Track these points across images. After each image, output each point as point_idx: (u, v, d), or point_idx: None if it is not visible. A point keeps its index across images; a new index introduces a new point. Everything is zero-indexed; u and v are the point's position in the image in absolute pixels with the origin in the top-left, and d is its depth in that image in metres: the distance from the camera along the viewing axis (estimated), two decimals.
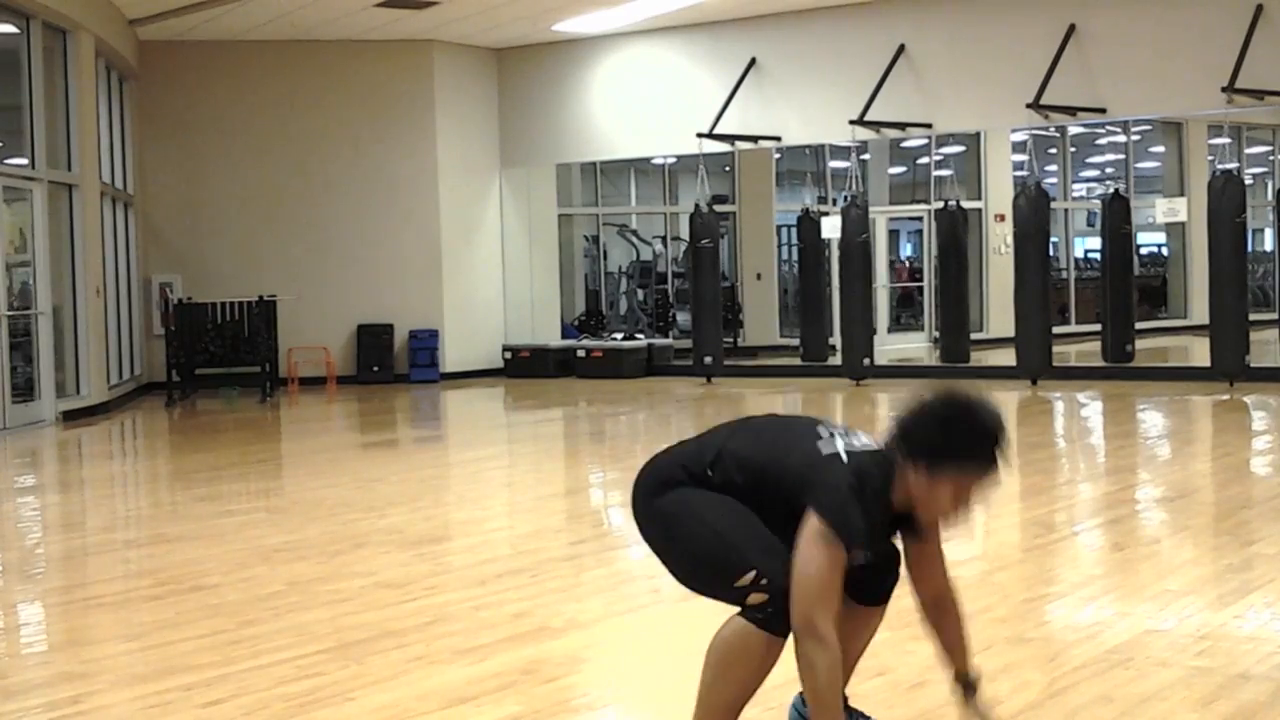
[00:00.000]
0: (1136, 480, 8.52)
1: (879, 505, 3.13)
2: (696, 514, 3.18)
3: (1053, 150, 21.29)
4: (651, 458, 3.39)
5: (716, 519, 3.15)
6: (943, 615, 3.40)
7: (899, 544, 3.39)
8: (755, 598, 3.10)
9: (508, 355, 17.52)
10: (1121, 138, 22.01)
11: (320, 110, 16.88)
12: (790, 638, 3.11)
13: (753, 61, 15.84)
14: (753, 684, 3.20)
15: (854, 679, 3.99)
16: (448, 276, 17.12)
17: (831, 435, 3.20)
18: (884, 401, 13.34)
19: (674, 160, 19.27)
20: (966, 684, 3.43)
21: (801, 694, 3.52)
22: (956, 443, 3.07)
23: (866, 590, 3.37)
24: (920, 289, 20.54)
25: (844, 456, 3.14)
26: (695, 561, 3.20)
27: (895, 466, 3.13)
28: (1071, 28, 14.18)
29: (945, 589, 3.39)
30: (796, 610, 3.04)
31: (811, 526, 3.05)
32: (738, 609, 3.16)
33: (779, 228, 20.65)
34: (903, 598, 4.94)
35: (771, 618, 3.09)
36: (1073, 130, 20.82)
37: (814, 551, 3.03)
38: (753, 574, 3.09)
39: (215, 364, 15.35)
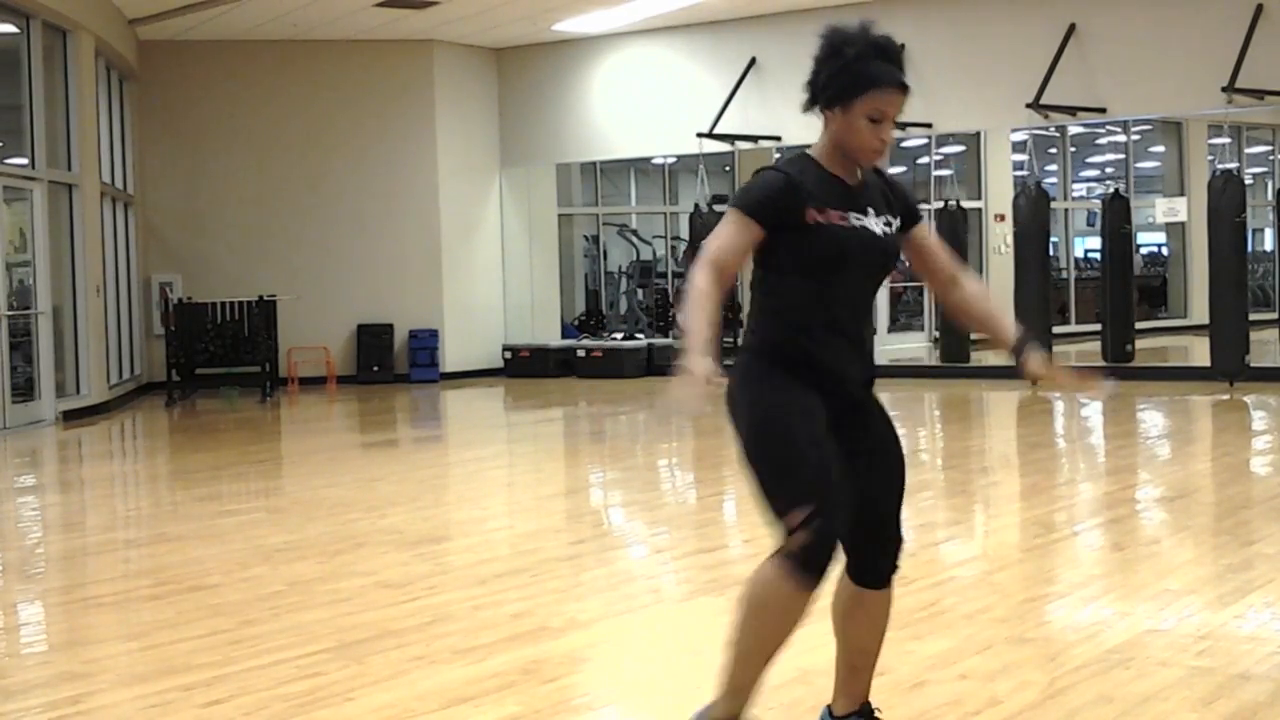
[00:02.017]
0: (1136, 480, 8.52)
1: (815, 169, 3.21)
2: (779, 427, 3.18)
3: (1053, 150, 21.28)
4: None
5: (794, 440, 3.15)
6: (964, 295, 3.45)
7: (901, 532, 3.37)
8: (798, 538, 3.10)
9: (508, 355, 17.52)
10: (1121, 138, 22.01)
11: (320, 110, 16.89)
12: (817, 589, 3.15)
13: (753, 61, 15.84)
14: (779, 635, 3.20)
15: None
16: (448, 276, 17.13)
17: None
18: (883, 401, 13.33)
19: (674, 160, 19.27)
20: (1017, 345, 3.41)
21: (829, 706, 3.50)
22: (849, 70, 3.14)
23: (867, 572, 3.35)
24: (921, 289, 20.53)
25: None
26: (768, 476, 3.19)
27: (813, 146, 3.25)
28: (1071, 28, 14.18)
29: (954, 271, 3.44)
30: (698, 261, 3.15)
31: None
32: (773, 551, 3.17)
33: None
34: (903, 597, 4.94)
35: (805, 562, 3.10)
36: (1073, 130, 20.81)
37: (719, 226, 3.20)
38: (811, 510, 3.10)
39: (215, 364, 15.35)
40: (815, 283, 3.21)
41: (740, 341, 3.35)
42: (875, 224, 3.26)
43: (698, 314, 3.08)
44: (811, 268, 3.20)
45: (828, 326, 3.24)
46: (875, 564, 3.34)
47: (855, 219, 3.22)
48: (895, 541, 3.36)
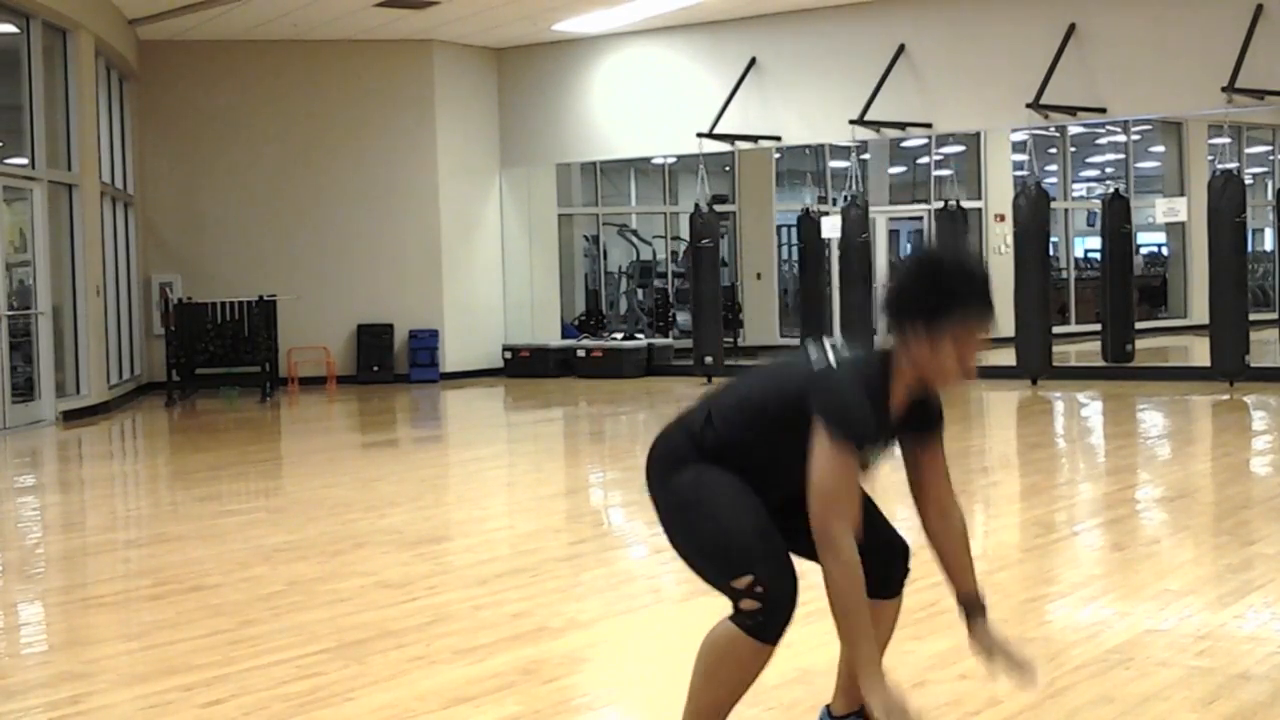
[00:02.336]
0: (1136, 480, 8.52)
1: (881, 396, 3.09)
2: (707, 503, 3.11)
3: (1053, 150, 21.28)
4: (664, 428, 3.32)
5: (726, 512, 3.09)
6: (947, 529, 3.32)
7: (905, 539, 3.38)
8: (748, 604, 3.05)
9: (508, 355, 17.52)
10: (1121, 138, 22.01)
11: (320, 110, 16.89)
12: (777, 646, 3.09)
13: (753, 61, 15.84)
14: (739, 688, 3.16)
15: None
16: (448, 276, 17.12)
17: (821, 351, 3.16)
18: None
19: (674, 160, 19.27)
20: (971, 605, 3.34)
21: (828, 706, 3.50)
22: (942, 296, 3.04)
23: (877, 583, 3.34)
24: None
25: (835, 364, 3.10)
26: (699, 553, 3.15)
27: (890, 357, 3.10)
28: (1071, 27, 14.18)
29: (949, 501, 3.32)
30: (814, 522, 2.98)
31: (818, 436, 3.00)
32: (730, 611, 3.12)
33: (779, 228, 20.65)
34: (903, 596, 4.94)
35: (762, 626, 3.04)
36: (1073, 130, 20.82)
37: (823, 460, 2.98)
38: (750, 579, 3.04)
39: (215, 364, 15.36)
40: (788, 470, 3.12)
41: (688, 432, 3.21)
42: (885, 442, 3.19)
43: (860, 623, 2.97)
44: (799, 463, 3.08)
45: (790, 487, 3.17)
46: (887, 576, 3.34)
47: (876, 450, 3.15)
48: (902, 551, 3.35)
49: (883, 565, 3.33)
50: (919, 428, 3.25)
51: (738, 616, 3.08)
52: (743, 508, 3.09)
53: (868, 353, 3.15)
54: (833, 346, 3.17)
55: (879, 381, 3.10)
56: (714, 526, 3.09)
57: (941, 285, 3.05)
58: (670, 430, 3.27)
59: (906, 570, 3.38)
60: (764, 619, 3.04)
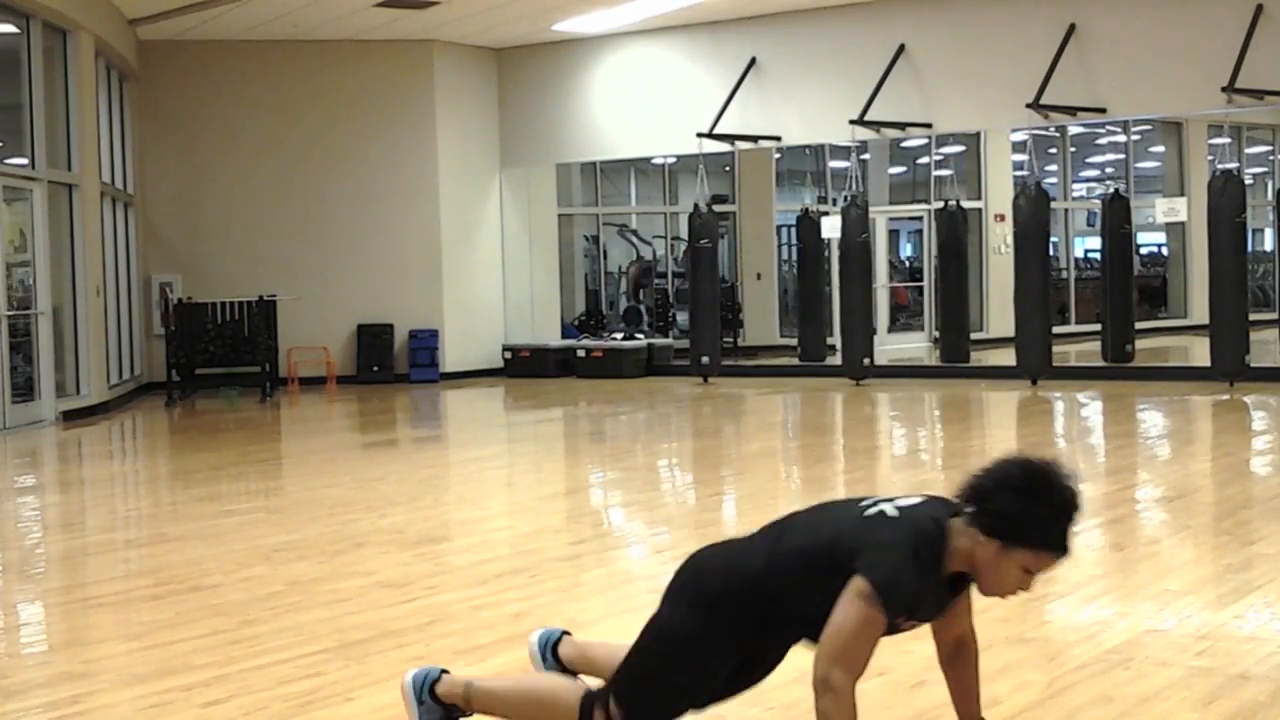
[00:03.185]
0: (1136, 480, 8.52)
1: (936, 569, 2.99)
2: (673, 661, 3.18)
3: (1053, 150, 21.28)
4: (711, 546, 3.32)
5: (668, 686, 3.18)
6: (963, 662, 3.29)
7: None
8: (610, 709, 3.20)
9: (508, 355, 17.52)
10: (1121, 138, 22.01)
11: (320, 110, 16.89)
12: None
13: (753, 61, 15.84)
14: None
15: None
16: (448, 276, 17.13)
17: (875, 502, 3.09)
18: (883, 401, 13.35)
19: (674, 160, 19.27)
20: None
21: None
22: (1036, 523, 2.93)
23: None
24: (920, 289, 20.53)
25: (894, 513, 3.02)
26: (630, 669, 3.28)
27: (951, 530, 2.99)
28: (1071, 28, 14.18)
29: (969, 636, 3.28)
30: (817, 666, 2.94)
31: (855, 585, 2.92)
32: (597, 687, 3.30)
33: (779, 228, 20.66)
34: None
35: None
36: (1073, 130, 20.82)
37: (849, 610, 2.92)
38: (623, 712, 3.19)
39: (215, 364, 15.35)
40: (792, 635, 3.15)
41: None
42: (932, 613, 3.15)
43: None
44: (814, 630, 3.05)
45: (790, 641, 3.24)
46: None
47: (919, 618, 3.10)
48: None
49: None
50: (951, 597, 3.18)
51: (590, 699, 3.25)
52: (691, 685, 3.19)
53: (927, 514, 3.02)
54: (888, 500, 3.10)
55: (937, 547, 2.99)
56: (657, 666, 3.20)
57: (1032, 514, 2.94)
58: (708, 560, 3.26)
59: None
60: None
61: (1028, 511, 2.93)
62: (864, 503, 3.11)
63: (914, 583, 2.94)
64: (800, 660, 4.07)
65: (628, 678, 3.24)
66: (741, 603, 3.12)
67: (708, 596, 3.15)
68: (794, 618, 3.09)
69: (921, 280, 20.52)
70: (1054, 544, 2.95)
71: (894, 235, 22.33)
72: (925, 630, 4.44)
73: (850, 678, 2.92)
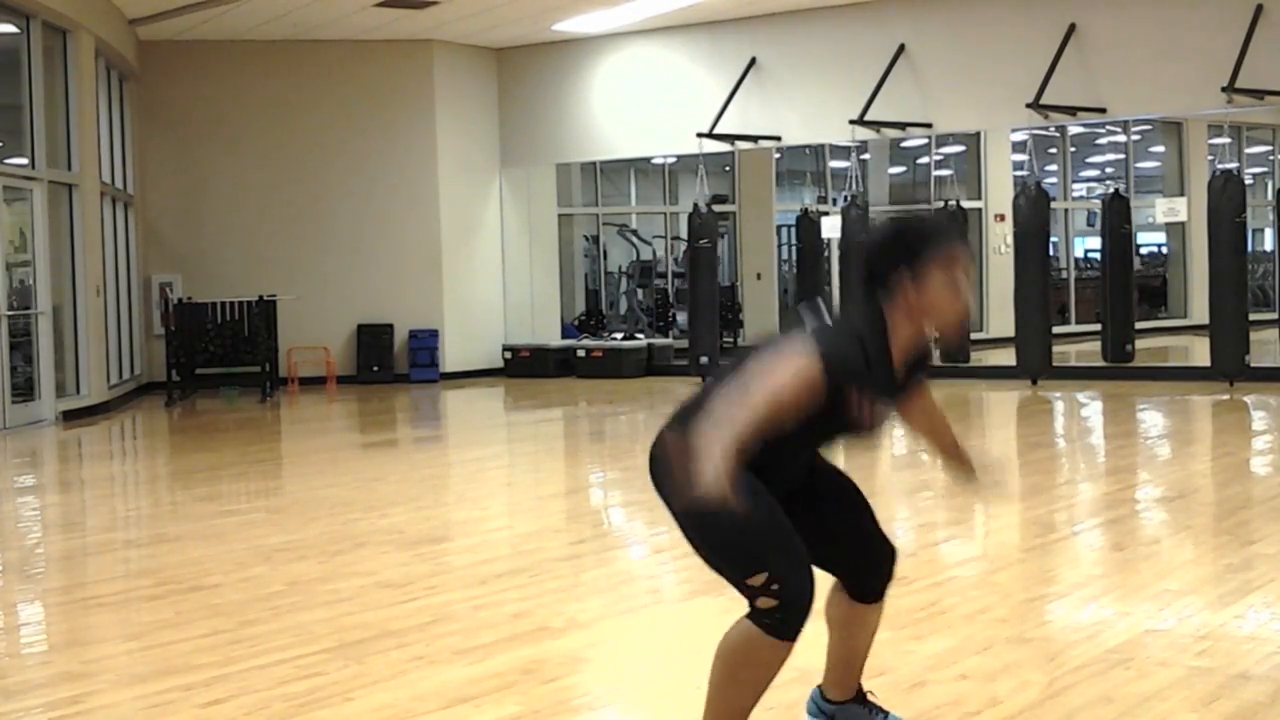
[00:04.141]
0: (1136, 480, 8.52)
1: (882, 353, 3.09)
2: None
3: (1053, 150, 21.28)
4: (665, 423, 3.25)
5: (740, 509, 3.00)
6: (933, 423, 3.45)
7: (893, 542, 3.38)
8: (764, 602, 3.03)
9: (508, 355, 17.52)
10: (1121, 138, 22.00)
11: (320, 110, 16.89)
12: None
13: (753, 61, 15.84)
14: (759, 689, 3.15)
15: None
16: (448, 276, 17.12)
17: (816, 313, 3.12)
18: None
19: (674, 160, 19.26)
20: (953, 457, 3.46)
21: (820, 686, 3.51)
22: (922, 241, 3.08)
23: (865, 591, 3.37)
24: None
25: (833, 322, 3.09)
26: (715, 551, 3.12)
27: (884, 316, 3.09)
28: (1071, 28, 14.18)
29: (933, 409, 3.43)
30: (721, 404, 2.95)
31: (792, 349, 2.98)
32: (746, 610, 3.10)
33: (779, 228, 20.64)
34: (903, 597, 4.94)
35: (780, 624, 3.03)
36: (1073, 130, 20.81)
37: (783, 357, 2.97)
38: (765, 576, 3.02)
39: (215, 364, 15.35)
40: (806, 438, 3.13)
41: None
42: (889, 396, 3.18)
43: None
44: (807, 434, 3.09)
45: (796, 459, 3.19)
46: (871, 583, 3.37)
47: (883, 405, 3.14)
48: (888, 556, 3.37)
49: (869, 573, 3.34)
50: (908, 382, 3.27)
51: (754, 615, 3.06)
52: (757, 504, 3.04)
53: (864, 309, 3.11)
54: (828, 307, 3.16)
55: (878, 339, 3.08)
56: (729, 524, 3.02)
57: (915, 233, 3.11)
58: (672, 426, 3.22)
59: (891, 575, 3.39)
60: (781, 616, 3.03)
61: (910, 241, 3.08)
62: (805, 318, 3.11)
63: (858, 355, 3.01)
64: (798, 660, 4.08)
65: (721, 557, 3.12)
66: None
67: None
68: (769, 450, 3.04)
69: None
70: (949, 240, 3.09)
71: None
72: (925, 631, 4.45)
73: (746, 416, 2.88)
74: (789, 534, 3.07)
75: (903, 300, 3.08)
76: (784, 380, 2.94)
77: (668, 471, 3.13)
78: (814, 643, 3.74)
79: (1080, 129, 20.87)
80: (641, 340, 17.30)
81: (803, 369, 2.95)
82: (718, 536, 3.09)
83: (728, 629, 3.15)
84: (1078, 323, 20.56)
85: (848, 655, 3.44)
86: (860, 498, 3.37)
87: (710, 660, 3.22)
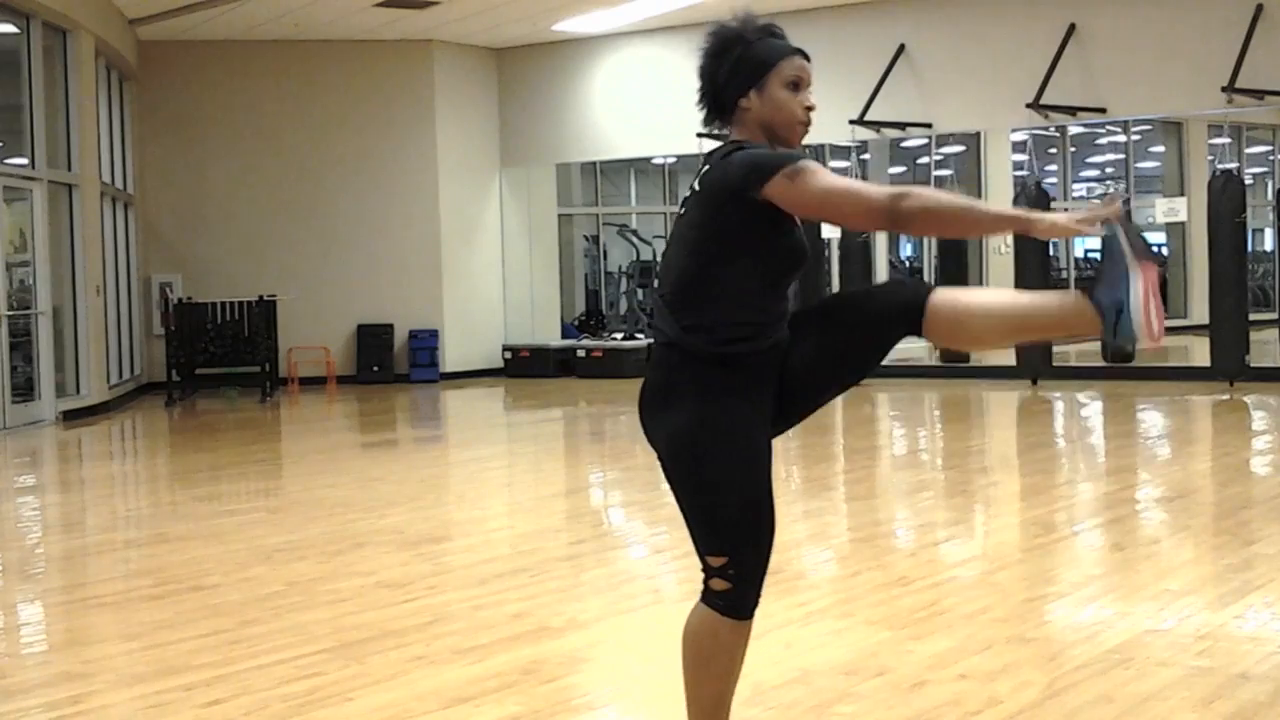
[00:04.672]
0: (1136, 480, 8.52)
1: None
2: (704, 459, 2.93)
3: (1053, 150, 21.27)
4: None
5: (721, 475, 2.93)
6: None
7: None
8: (718, 584, 3.00)
9: (508, 355, 17.52)
10: (1121, 138, 22.01)
11: (320, 110, 16.89)
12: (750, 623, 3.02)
13: None
14: (731, 672, 3.10)
15: (853, 677, 3.99)
16: (448, 276, 17.13)
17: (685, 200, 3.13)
18: (883, 401, 13.34)
19: (674, 160, 19.26)
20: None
21: None
22: (751, 53, 3.05)
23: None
24: None
25: (708, 167, 3.05)
26: (688, 511, 3.03)
27: (742, 144, 3.02)
28: (1071, 28, 14.18)
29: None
30: (872, 219, 2.86)
31: (780, 180, 2.87)
32: (700, 593, 3.06)
33: None
34: (903, 597, 4.94)
35: (733, 605, 2.99)
36: (1073, 130, 20.80)
37: (812, 188, 2.86)
38: (725, 560, 2.98)
39: (215, 364, 15.35)
40: (770, 290, 3.01)
41: (664, 334, 3.01)
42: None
43: (972, 209, 2.84)
44: (771, 272, 2.99)
45: (775, 318, 3.03)
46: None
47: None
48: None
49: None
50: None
51: (708, 596, 3.03)
52: (738, 467, 2.94)
53: (725, 146, 3.07)
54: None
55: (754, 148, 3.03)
56: (708, 491, 2.96)
57: (749, 45, 3.07)
58: (654, 358, 3.09)
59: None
60: (733, 599, 2.99)
61: (736, 55, 3.05)
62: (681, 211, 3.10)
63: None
64: (799, 660, 4.08)
65: (692, 520, 3.03)
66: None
67: (672, 391, 3.00)
68: (740, 305, 2.98)
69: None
70: (773, 49, 3.07)
71: (894, 235, 22.32)
72: (925, 631, 4.45)
73: (881, 194, 2.82)
74: (759, 512, 2.98)
75: (748, 114, 3.06)
76: (840, 188, 2.89)
77: (653, 413, 3.03)
78: (816, 643, 3.74)
79: (1080, 129, 20.86)
80: (641, 340, 17.29)
81: (814, 172, 2.89)
82: (693, 501, 3.00)
83: (686, 619, 3.10)
84: None
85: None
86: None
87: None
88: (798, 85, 3.07)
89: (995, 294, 2.99)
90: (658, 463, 3.05)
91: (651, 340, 3.13)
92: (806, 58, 3.10)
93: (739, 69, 3.07)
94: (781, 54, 3.07)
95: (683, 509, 3.04)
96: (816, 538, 6.64)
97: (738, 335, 2.94)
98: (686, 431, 2.95)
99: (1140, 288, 2.78)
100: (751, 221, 2.93)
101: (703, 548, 3.02)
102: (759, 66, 3.05)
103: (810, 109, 3.07)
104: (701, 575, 3.03)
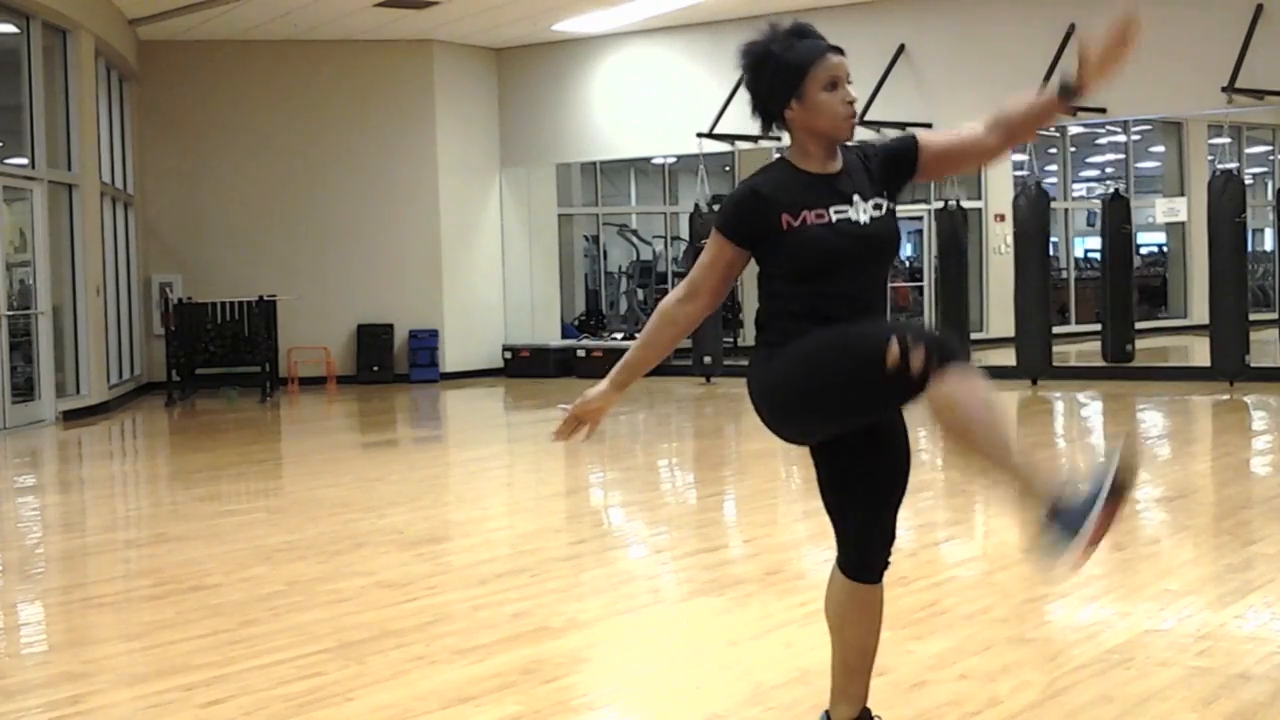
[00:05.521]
0: (1136, 480, 8.51)
1: (769, 175, 3.19)
2: (809, 350, 3.08)
3: (1053, 150, 21.27)
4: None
5: (833, 338, 3.06)
6: (1002, 122, 3.54)
7: (894, 521, 3.33)
8: (915, 359, 2.87)
9: (508, 355, 17.52)
10: (1121, 138, 22.00)
11: (320, 110, 16.88)
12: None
13: None
14: (993, 424, 2.93)
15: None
16: (448, 276, 17.13)
17: None
18: None
19: (674, 160, 19.27)
20: (1064, 90, 3.38)
21: (828, 711, 3.47)
22: (788, 55, 3.13)
23: (865, 568, 3.31)
24: (920, 289, 20.51)
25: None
26: (836, 381, 3.04)
27: (785, 151, 3.22)
28: (1072, 27, 14.17)
29: (979, 126, 3.49)
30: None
31: None
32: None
33: None
34: (903, 597, 4.95)
35: (942, 356, 2.89)
36: (1073, 130, 20.80)
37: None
38: (894, 342, 2.88)
39: (215, 364, 15.36)
40: (804, 287, 3.13)
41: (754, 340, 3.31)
42: (862, 211, 3.15)
43: (642, 337, 3.36)
44: (797, 273, 3.13)
45: (828, 325, 3.14)
46: (869, 557, 3.32)
47: (836, 213, 3.12)
48: (891, 535, 3.34)
49: (875, 548, 3.31)
50: (900, 171, 3.27)
51: (923, 377, 2.89)
52: (841, 330, 3.08)
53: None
54: None
55: (776, 169, 3.21)
56: (829, 353, 3.04)
57: (782, 56, 3.14)
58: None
59: (886, 562, 3.33)
60: (939, 350, 2.91)
61: (773, 61, 3.14)
62: None
63: (732, 205, 3.17)
64: (799, 660, 4.08)
65: (847, 379, 3.06)
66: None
67: (763, 362, 3.25)
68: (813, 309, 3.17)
69: (921, 280, 20.50)
70: (810, 53, 3.15)
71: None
72: (925, 631, 4.46)
73: (689, 276, 3.24)
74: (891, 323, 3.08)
75: (793, 123, 3.18)
76: (699, 258, 3.23)
77: (756, 387, 3.23)
78: (817, 642, 3.74)
79: (1080, 129, 20.86)
80: None
81: (712, 244, 3.20)
82: (830, 370, 3.04)
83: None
84: (1078, 323, 20.55)
85: (849, 656, 3.41)
86: (903, 470, 3.30)
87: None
88: (835, 84, 3.15)
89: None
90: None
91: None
92: (840, 52, 3.18)
93: (776, 82, 3.16)
94: (813, 57, 3.15)
95: (833, 390, 3.06)
96: (816, 538, 6.63)
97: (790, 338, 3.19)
98: (784, 354, 3.13)
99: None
100: (754, 248, 3.21)
101: (880, 365, 2.90)
102: (793, 76, 3.14)
103: (851, 103, 3.17)
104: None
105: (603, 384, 3.11)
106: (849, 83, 3.16)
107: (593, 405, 3.16)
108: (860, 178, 3.21)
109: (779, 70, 3.14)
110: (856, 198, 3.17)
